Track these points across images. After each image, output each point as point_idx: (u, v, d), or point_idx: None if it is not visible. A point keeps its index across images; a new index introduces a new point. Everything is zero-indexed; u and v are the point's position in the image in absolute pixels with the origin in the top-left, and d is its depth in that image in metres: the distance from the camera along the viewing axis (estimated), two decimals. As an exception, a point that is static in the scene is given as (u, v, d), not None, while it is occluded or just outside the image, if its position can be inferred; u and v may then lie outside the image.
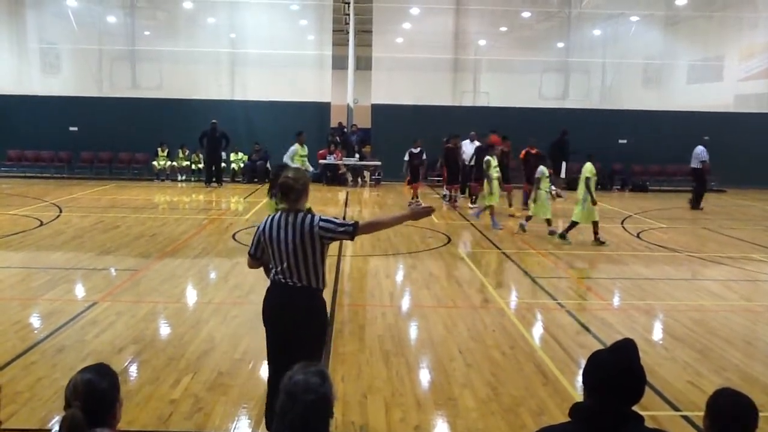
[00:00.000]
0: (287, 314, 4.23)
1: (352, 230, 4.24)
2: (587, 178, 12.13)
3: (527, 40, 26.98)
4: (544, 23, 27.10)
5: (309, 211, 4.37)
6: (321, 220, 4.23)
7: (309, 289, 4.22)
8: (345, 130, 24.79)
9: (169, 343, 6.51)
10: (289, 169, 4.44)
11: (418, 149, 17.44)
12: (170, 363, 5.95)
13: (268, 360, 4.42)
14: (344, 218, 14.85)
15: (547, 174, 12.90)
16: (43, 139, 22.50)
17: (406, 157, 17.41)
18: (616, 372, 2.42)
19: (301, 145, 16.63)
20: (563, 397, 5.41)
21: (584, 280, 10.16)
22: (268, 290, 4.36)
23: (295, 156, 15.87)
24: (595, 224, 12.30)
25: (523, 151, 16.97)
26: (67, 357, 6.01)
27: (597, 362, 2.50)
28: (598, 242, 12.25)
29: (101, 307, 7.59)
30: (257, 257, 4.44)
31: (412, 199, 17.35)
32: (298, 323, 4.20)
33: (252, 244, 4.44)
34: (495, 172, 14.12)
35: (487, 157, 14.36)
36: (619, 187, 22.84)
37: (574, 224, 12.38)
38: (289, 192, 4.26)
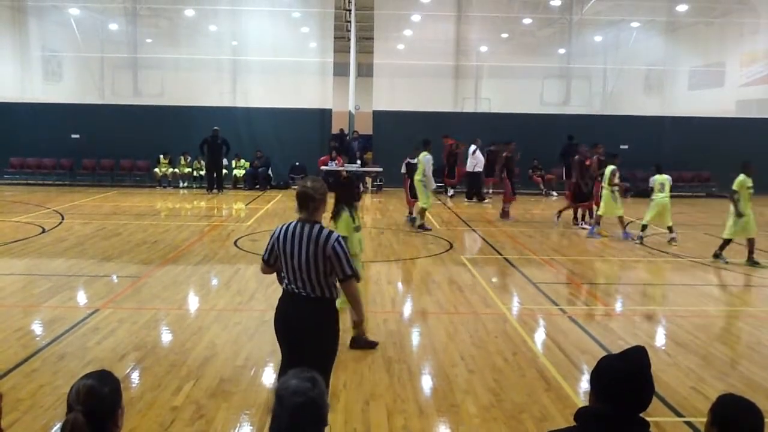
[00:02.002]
0: (300, 325, 4.17)
1: (350, 275, 4.17)
2: (735, 192, 11.02)
3: (528, 46, 27.07)
4: (546, 30, 27.18)
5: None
6: (338, 242, 4.14)
7: (322, 299, 4.18)
8: (347, 136, 24.83)
9: (171, 350, 6.50)
10: (307, 179, 4.35)
11: (416, 160, 14.90)
12: (172, 370, 5.94)
13: (280, 368, 4.39)
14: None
15: (670, 183, 13.21)
16: (45, 147, 22.54)
17: (403, 170, 15.25)
18: (627, 378, 2.41)
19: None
20: (566, 403, 5.39)
21: (587, 285, 10.14)
22: (280, 300, 4.31)
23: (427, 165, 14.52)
24: (750, 241, 11.22)
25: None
26: (68, 364, 6.01)
27: (607, 367, 2.49)
28: (752, 262, 11.11)
29: (103, 314, 7.59)
30: (271, 264, 4.36)
31: (408, 215, 15.37)
32: (310, 334, 4.14)
33: (266, 251, 4.36)
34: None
35: (612, 167, 13.63)
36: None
37: (727, 242, 11.38)
38: (308, 202, 4.19)
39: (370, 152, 23.42)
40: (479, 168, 19.95)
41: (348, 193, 6.63)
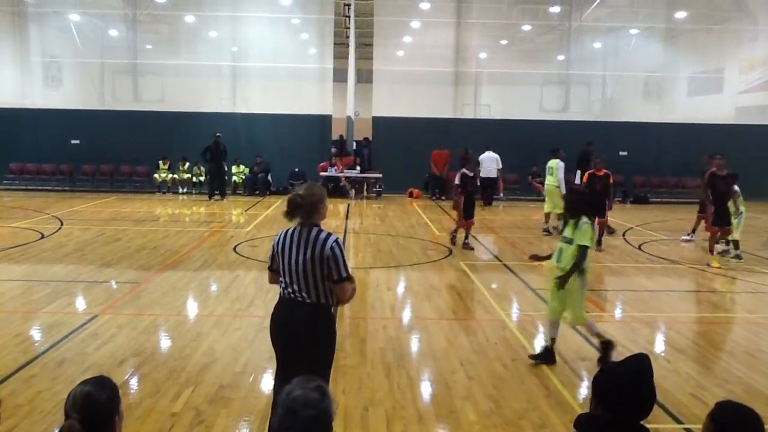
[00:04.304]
0: (295, 330, 4.17)
1: (344, 278, 4.16)
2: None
3: (528, 52, 27.15)
4: (545, 36, 27.26)
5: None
6: (336, 244, 4.13)
7: (318, 305, 4.17)
8: (348, 141, 24.91)
9: (170, 356, 6.49)
10: (300, 186, 4.37)
11: (472, 173, 13.07)
12: (171, 376, 5.93)
13: (276, 374, 4.39)
14: (345, 230, 14.87)
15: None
16: (44, 152, 22.57)
17: (457, 181, 12.98)
18: (629, 385, 2.41)
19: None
20: (565, 409, 5.39)
21: (586, 292, 10.12)
22: (276, 305, 4.31)
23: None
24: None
25: (587, 174, 13.49)
26: (67, 370, 6.00)
27: (610, 374, 2.49)
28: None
29: (102, 319, 7.58)
30: (275, 270, 4.36)
31: (466, 239, 12.99)
32: (305, 340, 4.13)
33: (270, 257, 4.38)
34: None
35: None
36: (620, 199, 22.79)
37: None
38: (295, 210, 4.21)
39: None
40: (493, 174, 20.04)
41: (568, 201, 6.64)
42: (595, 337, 6.55)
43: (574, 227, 6.34)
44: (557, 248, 6.52)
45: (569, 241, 6.35)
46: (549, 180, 14.86)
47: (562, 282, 6.35)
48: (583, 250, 6.28)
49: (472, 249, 12.81)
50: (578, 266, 6.30)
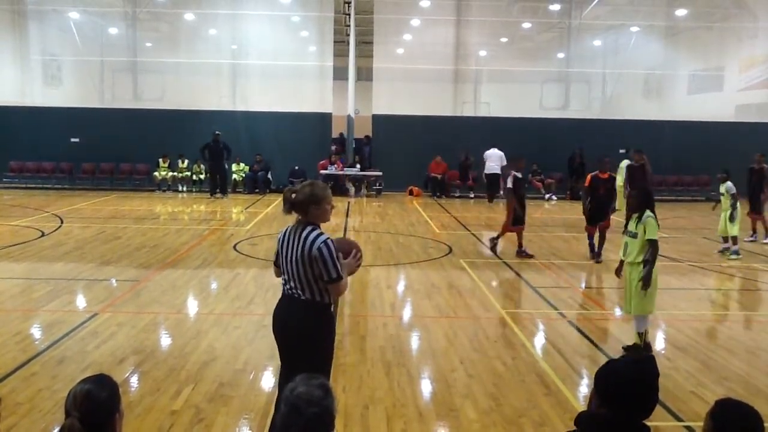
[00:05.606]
0: (291, 326, 4.20)
1: (334, 279, 4.09)
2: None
3: (528, 50, 27.13)
4: (545, 34, 27.24)
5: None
6: (324, 244, 4.06)
7: (313, 302, 4.17)
8: (348, 140, 24.91)
9: (170, 354, 6.49)
10: (301, 183, 4.39)
11: (521, 173, 12.09)
12: (171, 374, 5.93)
13: (279, 371, 4.41)
14: (345, 228, 14.86)
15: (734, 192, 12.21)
16: (44, 150, 22.55)
17: (510, 184, 11.99)
18: (631, 384, 2.41)
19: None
20: (565, 408, 5.39)
21: (586, 289, 10.14)
22: (278, 301, 4.35)
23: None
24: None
25: (589, 177, 12.07)
26: (67, 368, 6.00)
27: (613, 372, 2.48)
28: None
29: (102, 317, 7.58)
30: (279, 265, 4.39)
31: (521, 248, 12.02)
32: (302, 336, 4.16)
33: (275, 253, 4.40)
34: None
35: None
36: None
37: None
38: (286, 206, 4.24)
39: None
40: (498, 171, 20.15)
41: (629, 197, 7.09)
42: (639, 336, 6.71)
43: (638, 221, 6.60)
44: (623, 243, 6.79)
45: (634, 236, 6.60)
46: (618, 180, 15.11)
47: (645, 283, 6.48)
48: (653, 245, 6.50)
49: (532, 256, 11.84)
50: (654, 261, 6.50)
